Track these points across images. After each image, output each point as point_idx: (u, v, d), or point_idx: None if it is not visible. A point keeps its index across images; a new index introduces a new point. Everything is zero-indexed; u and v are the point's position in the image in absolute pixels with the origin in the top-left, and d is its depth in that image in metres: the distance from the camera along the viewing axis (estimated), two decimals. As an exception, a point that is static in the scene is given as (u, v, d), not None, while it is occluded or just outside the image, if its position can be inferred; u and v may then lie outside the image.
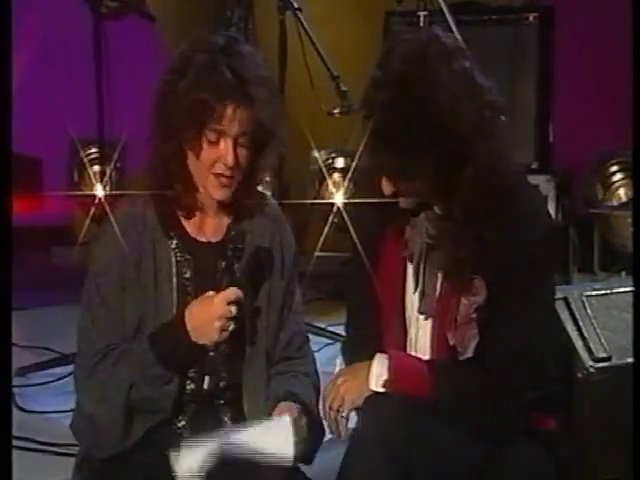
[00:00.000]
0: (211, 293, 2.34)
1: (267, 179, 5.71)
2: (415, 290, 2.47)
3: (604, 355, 2.98)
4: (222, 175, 2.39)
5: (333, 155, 6.15)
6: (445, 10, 4.17)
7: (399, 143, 2.27)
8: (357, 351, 2.54)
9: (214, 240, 2.48)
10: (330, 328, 4.65)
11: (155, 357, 2.33)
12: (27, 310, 5.00)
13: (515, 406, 2.39)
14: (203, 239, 2.48)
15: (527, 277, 2.37)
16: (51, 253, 6.43)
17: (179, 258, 2.44)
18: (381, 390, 2.39)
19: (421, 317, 2.47)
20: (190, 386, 2.42)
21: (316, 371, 2.57)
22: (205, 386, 2.39)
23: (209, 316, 2.32)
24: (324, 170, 6.11)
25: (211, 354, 2.37)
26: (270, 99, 2.40)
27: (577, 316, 3.01)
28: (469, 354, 2.39)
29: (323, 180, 6.16)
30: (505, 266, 2.36)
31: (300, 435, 2.30)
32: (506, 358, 2.37)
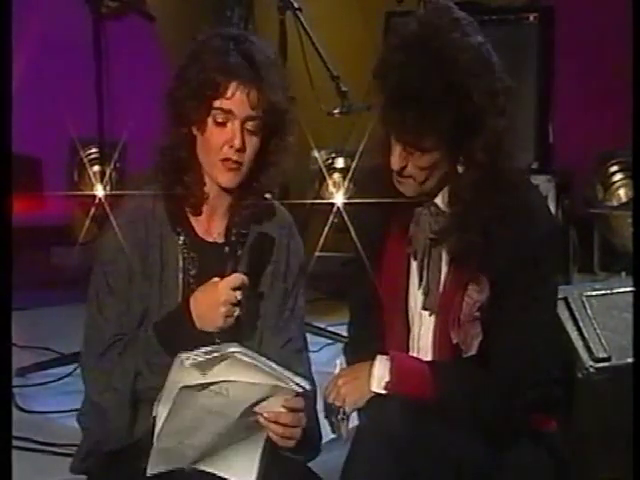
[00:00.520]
0: (215, 279, 2.35)
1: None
2: (419, 286, 2.47)
3: (604, 355, 2.98)
4: (229, 160, 2.39)
5: (333, 155, 6.16)
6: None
7: (416, 100, 2.28)
8: (360, 352, 2.54)
9: (220, 241, 2.48)
10: (330, 328, 4.65)
11: (160, 345, 2.33)
12: (27, 310, 4.99)
13: (516, 405, 2.39)
14: (210, 239, 2.48)
15: (530, 276, 2.37)
16: (51, 253, 6.43)
17: (185, 255, 2.45)
18: (383, 392, 2.39)
19: (424, 314, 2.47)
20: None
21: (312, 380, 2.54)
22: None
23: (214, 302, 2.32)
24: (324, 170, 6.11)
25: (217, 341, 2.37)
26: (280, 83, 2.42)
27: (577, 316, 3.01)
28: (472, 352, 2.39)
29: (323, 180, 6.16)
30: (508, 265, 2.36)
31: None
32: (508, 356, 2.37)
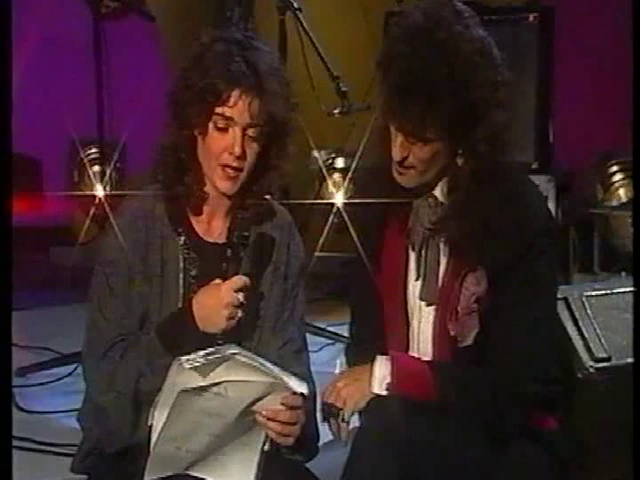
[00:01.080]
0: (218, 281, 2.35)
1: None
2: (417, 278, 2.48)
3: (604, 355, 2.98)
4: (229, 166, 2.39)
5: (333, 155, 6.16)
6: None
7: (419, 90, 2.29)
8: (361, 351, 2.54)
9: (221, 242, 2.48)
10: (330, 328, 4.66)
11: (163, 347, 2.33)
12: (27, 310, 5.00)
13: (516, 403, 2.39)
14: (210, 240, 2.48)
15: (527, 268, 2.38)
16: (51, 253, 6.43)
17: (186, 256, 2.45)
18: (384, 393, 2.39)
19: (423, 305, 2.48)
20: None
21: (311, 380, 2.54)
22: None
23: (217, 304, 2.32)
24: (324, 170, 6.11)
25: (218, 343, 2.36)
26: (282, 92, 2.42)
27: (577, 316, 3.01)
28: (468, 342, 2.40)
29: (323, 180, 6.16)
30: (505, 256, 2.37)
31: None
32: (506, 348, 2.38)
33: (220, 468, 2.30)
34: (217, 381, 2.21)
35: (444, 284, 2.44)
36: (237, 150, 2.38)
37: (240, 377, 2.21)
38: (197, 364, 2.20)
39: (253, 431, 2.29)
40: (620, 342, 3.00)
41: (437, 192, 2.45)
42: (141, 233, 2.43)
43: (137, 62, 6.23)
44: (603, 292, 3.09)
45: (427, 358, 2.47)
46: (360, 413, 2.41)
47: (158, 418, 2.25)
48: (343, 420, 2.40)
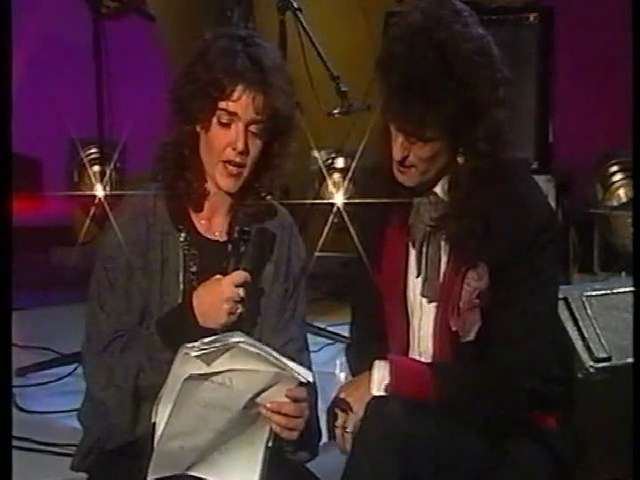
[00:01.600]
0: (218, 276, 2.35)
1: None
2: (418, 275, 2.48)
3: (604, 355, 2.98)
4: (231, 162, 2.40)
5: (333, 155, 6.16)
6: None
7: (419, 90, 2.30)
8: (362, 352, 2.55)
9: (222, 239, 2.49)
10: (330, 328, 4.65)
11: (163, 342, 2.33)
12: (27, 310, 5.00)
13: (516, 400, 2.39)
14: (211, 237, 2.48)
15: (527, 263, 2.39)
16: (51, 253, 6.43)
17: (186, 252, 2.45)
18: (383, 394, 2.39)
19: (424, 302, 2.48)
20: None
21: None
22: None
23: (217, 299, 2.32)
24: (324, 170, 6.11)
25: None
26: (285, 88, 2.42)
27: (577, 316, 3.02)
28: (470, 338, 2.40)
29: (323, 180, 6.16)
30: (506, 252, 2.38)
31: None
32: (506, 344, 2.39)
33: (224, 467, 2.29)
34: (222, 369, 2.21)
35: (445, 280, 2.45)
36: (240, 145, 2.38)
37: (245, 366, 2.21)
38: (202, 351, 2.19)
39: (257, 427, 2.28)
40: (620, 342, 3.00)
41: (438, 189, 2.46)
42: (142, 229, 2.43)
43: (137, 62, 6.23)
44: (603, 292, 3.09)
45: (428, 355, 2.48)
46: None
47: (161, 413, 2.25)
48: (347, 432, 2.41)
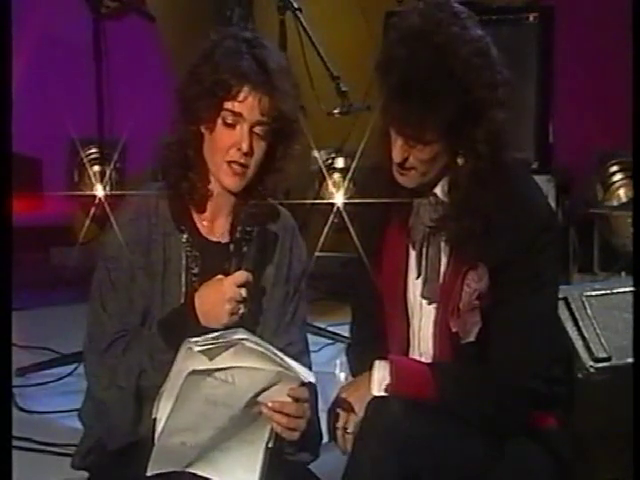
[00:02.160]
0: (220, 276, 2.35)
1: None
2: (418, 276, 2.48)
3: (604, 355, 2.98)
4: (236, 162, 2.40)
5: (333, 155, 6.15)
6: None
7: (418, 94, 2.30)
8: (362, 352, 2.55)
9: (224, 241, 2.49)
10: (330, 328, 4.65)
11: (164, 342, 2.33)
12: (27, 310, 5.00)
13: (516, 397, 2.39)
14: (213, 238, 2.48)
15: (527, 264, 2.39)
16: (51, 253, 6.43)
17: (188, 253, 2.45)
18: (384, 394, 2.39)
19: (424, 303, 2.48)
20: None
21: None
22: None
23: (219, 299, 2.32)
24: (324, 170, 6.11)
25: None
26: (291, 91, 2.43)
27: (577, 316, 3.01)
28: (471, 339, 2.40)
29: (323, 180, 6.16)
30: (506, 253, 2.38)
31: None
32: (507, 344, 2.39)
33: (224, 466, 2.29)
34: (225, 366, 2.21)
35: (445, 281, 2.45)
36: (244, 146, 2.38)
37: (248, 363, 2.21)
38: (206, 346, 2.19)
39: (258, 426, 2.28)
40: (620, 342, 3.00)
41: (438, 190, 2.46)
42: (144, 229, 2.43)
43: (137, 62, 6.23)
44: (603, 292, 3.09)
45: (428, 356, 2.48)
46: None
47: (163, 409, 2.25)
48: (347, 433, 2.41)
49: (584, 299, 3.05)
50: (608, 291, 3.10)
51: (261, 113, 2.39)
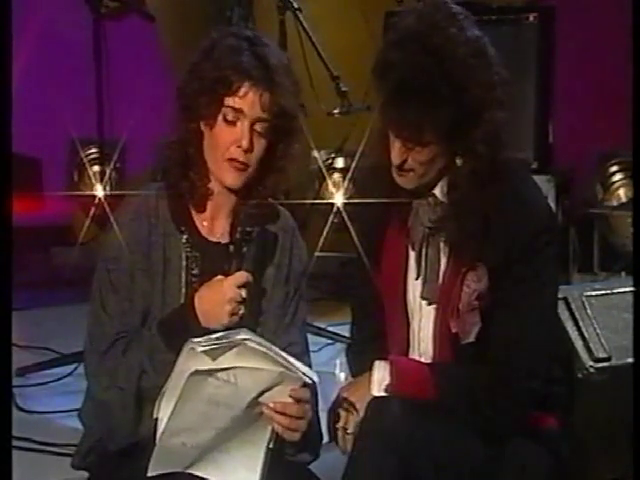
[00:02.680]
0: (220, 277, 2.35)
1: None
2: (417, 277, 2.48)
3: (604, 355, 2.98)
4: (236, 160, 2.40)
5: (333, 155, 6.15)
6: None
7: (415, 97, 2.29)
8: (362, 352, 2.55)
9: (223, 241, 2.48)
10: (330, 328, 4.65)
11: (165, 343, 2.33)
12: (27, 310, 4.99)
13: (516, 402, 2.39)
14: (213, 239, 2.48)
15: (527, 265, 2.39)
16: (51, 253, 6.43)
17: (188, 254, 2.45)
18: (384, 394, 2.39)
19: (424, 304, 2.48)
20: None
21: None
22: None
23: (219, 300, 2.32)
24: (324, 170, 6.11)
25: None
26: (291, 87, 2.43)
27: (577, 316, 3.02)
28: (470, 339, 2.40)
29: (323, 180, 6.16)
30: (505, 254, 2.38)
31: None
32: (507, 344, 2.39)
33: (224, 466, 2.29)
34: (227, 366, 2.21)
35: (445, 282, 2.45)
36: (245, 143, 2.38)
37: (250, 364, 2.21)
38: (208, 347, 2.19)
39: (259, 427, 2.28)
40: (620, 342, 3.00)
41: (437, 191, 2.46)
42: (144, 230, 2.43)
43: (137, 62, 6.22)
44: (603, 292, 3.09)
45: (428, 357, 2.48)
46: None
47: (165, 409, 2.25)
48: (347, 434, 2.41)
49: (584, 299, 3.05)
50: (608, 291, 3.10)
51: (262, 109, 2.39)
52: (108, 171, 5.21)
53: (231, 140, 2.39)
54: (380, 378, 2.41)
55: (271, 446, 2.29)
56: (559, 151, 5.22)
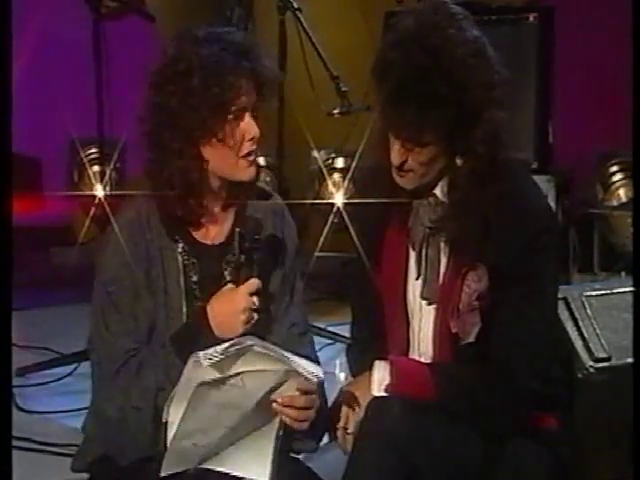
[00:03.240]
0: (231, 286, 2.35)
1: (267, 179, 5.74)
2: (417, 277, 2.48)
3: (604, 355, 2.98)
4: (250, 153, 2.40)
5: (333, 155, 6.15)
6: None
7: (414, 98, 2.30)
8: (363, 352, 2.56)
9: (217, 242, 2.48)
10: (330, 328, 4.65)
11: (179, 358, 2.31)
12: (27, 310, 4.99)
13: (516, 401, 2.39)
14: (208, 242, 2.48)
15: (527, 265, 2.39)
16: (51, 253, 6.42)
17: (186, 262, 2.44)
18: (384, 394, 2.39)
19: (424, 304, 2.48)
20: None
21: (317, 362, 2.52)
22: None
23: (233, 310, 2.32)
24: (324, 170, 6.11)
25: None
26: (263, 53, 2.43)
27: (577, 316, 3.01)
28: (470, 339, 2.41)
29: (323, 180, 6.16)
30: (505, 254, 2.38)
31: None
32: (507, 344, 2.39)
33: (236, 458, 2.30)
34: (234, 373, 2.21)
35: (445, 282, 2.45)
36: (256, 132, 2.38)
37: (256, 367, 2.22)
38: (215, 360, 2.20)
39: (268, 419, 2.29)
40: (620, 342, 3.00)
41: (437, 191, 2.46)
42: (140, 247, 2.41)
43: (137, 62, 6.22)
44: (603, 292, 3.09)
45: (428, 357, 2.49)
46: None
47: (174, 414, 2.25)
48: (348, 433, 2.41)
49: (584, 299, 3.04)
50: (608, 291, 3.10)
51: (255, 94, 2.39)
52: (108, 171, 5.21)
53: (241, 137, 2.39)
54: (380, 378, 2.41)
55: (281, 434, 2.30)
56: (559, 151, 5.22)
